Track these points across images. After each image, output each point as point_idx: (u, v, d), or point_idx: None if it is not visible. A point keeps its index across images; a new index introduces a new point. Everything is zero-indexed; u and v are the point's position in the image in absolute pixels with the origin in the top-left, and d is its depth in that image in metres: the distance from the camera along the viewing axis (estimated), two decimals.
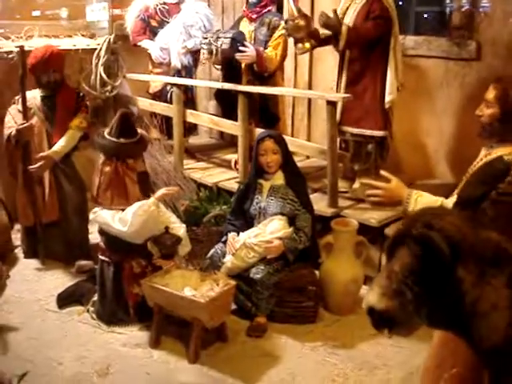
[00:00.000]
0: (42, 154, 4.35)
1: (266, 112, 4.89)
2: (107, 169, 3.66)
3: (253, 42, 4.83)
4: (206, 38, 4.80)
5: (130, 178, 3.68)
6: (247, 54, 4.66)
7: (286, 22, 4.37)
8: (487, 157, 2.49)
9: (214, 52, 4.71)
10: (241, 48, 4.64)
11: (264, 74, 4.79)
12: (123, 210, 3.61)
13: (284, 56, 4.88)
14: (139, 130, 3.85)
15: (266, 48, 4.77)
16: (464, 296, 1.59)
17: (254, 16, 4.87)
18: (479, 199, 1.76)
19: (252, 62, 4.72)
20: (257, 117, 4.92)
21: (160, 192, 3.78)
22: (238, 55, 4.66)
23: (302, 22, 4.24)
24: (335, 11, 4.22)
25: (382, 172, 2.78)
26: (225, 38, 4.65)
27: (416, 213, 1.79)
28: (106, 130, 3.72)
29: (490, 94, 2.54)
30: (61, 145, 4.44)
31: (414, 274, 1.65)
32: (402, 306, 1.67)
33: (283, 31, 4.62)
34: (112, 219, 3.59)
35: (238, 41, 4.64)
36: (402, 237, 1.72)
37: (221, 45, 4.64)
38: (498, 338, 1.55)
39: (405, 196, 2.56)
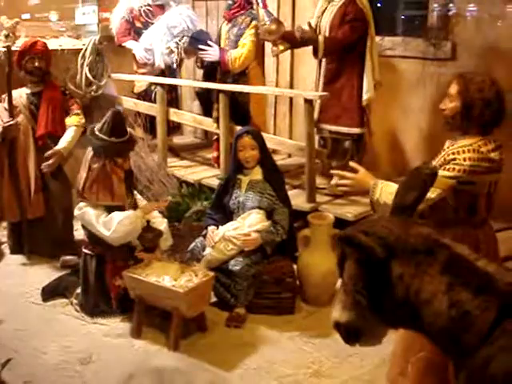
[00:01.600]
0: (51, 151, 4.43)
1: (236, 111, 4.95)
2: (95, 165, 3.73)
3: (227, 42, 4.95)
4: (177, 37, 4.95)
5: (118, 175, 3.76)
6: (208, 53, 4.80)
7: (257, 27, 4.52)
8: (449, 148, 2.62)
9: (179, 50, 4.87)
10: (201, 46, 4.77)
11: (230, 72, 4.90)
12: (107, 208, 3.70)
13: (252, 55, 4.89)
14: (129, 130, 3.92)
15: (236, 47, 4.88)
16: (407, 290, 1.69)
17: (230, 17, 4.98)
18: (412, 205, 1.85)
19: (215, 61, 4.85)
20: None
21: (147, 205, 3.90)
22: (200, 53, 4.81)
23: (272, 27, 4.39)
24: (310, 24, 4.36)
25: (351, 163, 2.88)
26: (187, 36, 4.81)
27: (356, 225, 1.89)
28: (97, 127, 3.77)
29: (453, 88, 2.66)
30: (67, 140, 4.53)
31: (360, 279, 1.75)
32: (362, 315, 1.76)
33: (252, 31, 4.75)
34: (96, 220, 3.66)
35: (198, 39, 4.78)
36: (341, 245, 1.82)
37: (183, 43, 4.79)
38: (443, 322, 1.64)
39: (371, 185, 2.66)
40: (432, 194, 2.45)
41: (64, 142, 4.52)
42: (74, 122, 4.63)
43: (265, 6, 4.59)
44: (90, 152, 3.79)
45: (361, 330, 1.81)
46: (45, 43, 4.69)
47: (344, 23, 4.37)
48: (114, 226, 3.62)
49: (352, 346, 1.89)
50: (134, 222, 3.67)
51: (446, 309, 1.62)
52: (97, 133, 3.73)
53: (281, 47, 4.52)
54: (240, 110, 4.96)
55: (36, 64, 4.53)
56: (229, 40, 4.96)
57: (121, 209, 3.75)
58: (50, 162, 4.42)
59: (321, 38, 4.33)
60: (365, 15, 4.35)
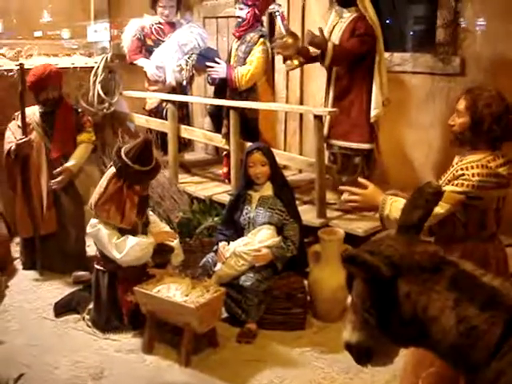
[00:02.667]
0: (61, 168, 4.49)
1: (245, 128, 4.98)
2: (113, 185, 3.75)
3: (236, 59, 5.00)
4: (187, 55, 5.02)
5: (131, 200, 3.76)
6: (216, 70, 4.85)
7: (274, 41, 4.55)
8: (458, 163, 2.63)
9: (188, 67, 4.93)
10: (208, 63, 4.83)
11: (237, 89, 4.94)
12: (120, 229, 3.73)
13: (260, 72, 4.94)
14: (155, 158, 3.88)
15: (244, 65, 4.93)
16: (415, 307, 1.70)
17: (237, 34, 5.04)
18: (417, 224, 1.87)
19: (223, 78, 4.90)
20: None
21: (161, 234, 3.92)
22: (207, 71, 4.87)
23: (289, 40, 4.42)
24: (321, 29, 4.39)
25: (360, 179, 2.89)
26: (195, 54, 4.87)
27: (362, 245, 1.90)
28: (124, 149, 3.75)
29: (461, 104, 2.67)
30: (77, 158, 4.60)
31: (368, 299, 1.76)
32: (371, 334, 1.77)
33: (260, 48, 4.79)
34: (109, 241, 3.68)
35: (205, 57, 4.84)
36: (346, 265, 1.84)
37: (192, 60, 4.85)
38: (452, 338, 1.65)
39: (380, 201, 2.67)
40: (441, 209, 2.46)
41: (74, 160, 4.58)
42: (84, 139, 4.70)
43: (283, 19, 4.62)
44: (111, 170, 3.80)
45: (372, 349, 1.81)
46: (56, 71, 4.68)
47: (353, 37, 4.41)
48: (126, 250, 3.65)
49: (364, 366, 1.90)
50: (145, 248, 3.71)
51: (454, 324, 1.63)
52: (122, 155, 3.73)
53: (295, 62, 4.55)
54: (249, 126, 5.00)
55: (49, 96, 4.59)
56: (237, 57, 5.02)
57: (133, 230, 3.78)
58: (60, 178, 4.47)
59: (330, 45, 4.36)
60: (374, 31, 4.39)
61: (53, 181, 4.48)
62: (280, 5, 4.81)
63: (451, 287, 1.67)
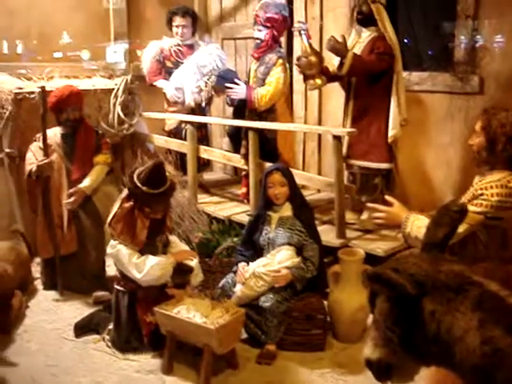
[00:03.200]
0: (74, 189, 4.54)
1: (264, 149, 5.00)
2: (126, 205, 3.78)
3: (255, 80, 5.04)
4: (206, 76, 5.05)
5: (142, 222, 3.77)
6: (235, 91, 4.88)
7: (298, 59, 4.56)
8: (478, 183, 2.63)
9: (208, 89, 4.96)
10: (227, 84, 4.85)
11: (256, 110, 4.97)
12: (140, 251, 3.74)
13: (279, 93, 4.97)
14: (169, 180, 3.86)
15: (263, 86, 4.95)
16: (439, 326, 1.69)
17: (256, 55, 5.07)
18: (442, 242, 1.86)
19: (242, 99, 4.92)
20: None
21: (181, 253, 3.92)
22: (227, 92, 4.89)
23: (314, 59, 4.42)
24: (343, 36, 4.40)
25: (386, 197, 2.91)
26: (215, 75, 4.90)
27: (386, 262, 1.90)
28: (137, 172, 3.77)
29: (478, 124, 2.69)
30: (91, 179, 4.64)
31: (391, 317, 1.75)
32: (393, 352, 1.76)
33: (279, 69, 4.82)
34: (128, 261, 3.69)
35: (225, 78, 4.87)
36: (371, 283, 1.83)
37: (212, 82, 4.88)
38: (475, 359, 1.63)
39: (403, 219, 2.67)
40: (460, 228, 2.45)
41: (87, 181, 4.62)
42: (100, 160, 4.74)
43: (309, 37, 4.63)
44: (125, 191, 3.84)
45: (392, 366, 1.80)
46: (77, 92, 4.77)
47: (372, 54, 4.43)
48: (145, 269, 3.65)
49: (383, 383, 1.89)
50: (165, 268, 3.71)
51: (478, 345, 1.62)
52: (134, 177, 3.75)
53: (318, 81, 4.55)
54: (268, 147, 5.02)
55: (70, 117, 4.66)
56: (256, 78, 5.05)
57: (153, 250, 3.80)
58: (72, 199, 4.52)
59: (350, 53, 4.38)
60: (393, 51, 4.41)
61: (65, 201, 4.52)
62: (305, 23, 4.80)
63: (476, 308, 1.65)
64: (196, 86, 5.55)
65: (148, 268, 3.65)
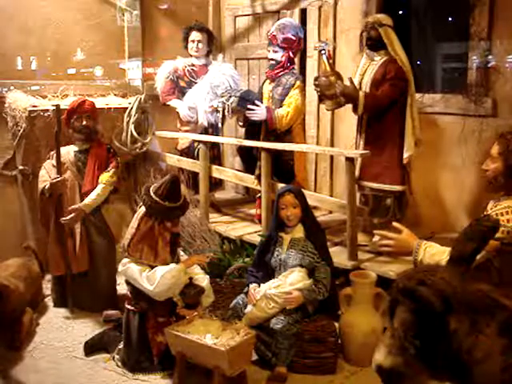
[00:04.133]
0: (73, 207, 4.55)
1: (280, 169, 5.02)
2: (144, 224, 3.78)
3: (271, 100, 5.04)
4: (222, 97, 5.05)
5: (164, 238, 3.79)
6: (255, 112, 4.88)
7: (316, 79, 4.57)
8: (493, 209, 2.61)
9: (226, 110, 4.95)
10: (249, 106, 4.86)
11: (276, 131, 4.98)
12: (151, 266, 3.74)
13: (297, 114, 5.00)
14: (183, 195, 3.92)
15: (281, 107, 4.97)
16: (460, 346, 1.67)
17: (273, 76, 5.09)
18: (470, 256, 1.84)
19: (262, 120, 4.93)
20: (271, 174, 5.08)
21: (190, 259, 3.93)
22: (247, 113, 4.89)
23: (333, 79, 4.43)
24: (351, 80, 4.42)
25: (394, 223, 2.88)
26: (234, 96, 4.90)
27: (411, 271, 1.88)
28: (153, 188, 3.80)
29: (494, 149, 2.68)
30: (92, 198, 4.64)
31: (413, 329, 1.73)
32: (407, 362, 1.75)
33: (297, 90, 4.84)
34: (140, 275, 3.69)
35: (246, 99, 4.87)
36: (398, 295, 1.82)
37: (231, 103, 4.88)
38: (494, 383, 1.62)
39: (414, 246, 2.66)
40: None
41: (88, 199, 4.64)
42: (103, 179, 4.74)
43: (329, 57, 4.64)
44: (141, 210, 3.84)
45: (403, 376, 1.78)
46: (92, 102, 4.87)
47: (384, 81, 4.43)
48: (157, 280, 3.65)
49: None
50: (176, 275, 3.70)
51: (498, 371, 1.59)
52: (151, 194, 3.77)
53: (339, 101, 4.56)
54: (284, 167, 5.03)
55: (84, 123, 4.70)
56: (273, 99, 5.07)
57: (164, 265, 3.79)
58: (69, 217, 4.51)
59: (361, 94, 4.39)
60: (405, 74, 4.41)
61: (62, 218, 4.53)
62: (327, 43, 4.78)
63: (502, 333, 1.63)
64: (209, 106, 5.58)
65: (159, 278, 3.64)
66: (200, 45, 5.84)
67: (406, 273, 1.85)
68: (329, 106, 4.67)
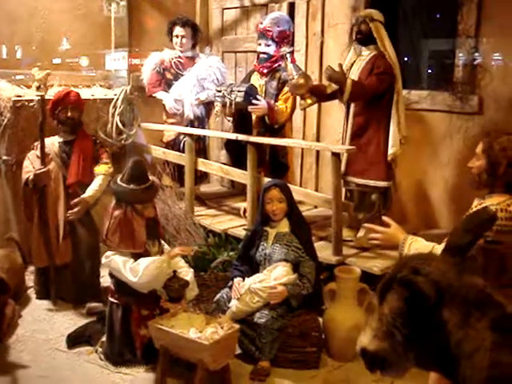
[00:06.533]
0: (77, 199, 4.52)
1: (275, 162, 5.06)
2: (117, 212, 3.79)
3: (263, 95, 5.04)
4: (219, 91, 5.01)
5: (138, 222, 3.79)
6: (259, 107, 4.87)
7: (286, 81, 4.62)
8: (477, 207, 2.62)
9: (228, 104, 4.92)
10: (253, 101, 4.84)
11: (275, 125, 4.98)
12: (134, 256, 3.74)
13: (293, 109, 5.05)
14: (151, 177, 3.96)
15: (276, 101, 4.97)
16: (449, 337, 1.67)
17: (265, 71, 5.08)
18: (466, 247, 1.85)
19: (263, 115, 4.91)
20: (266, 166, 5.09)
21: (174, 250, 3.92)
22: (250, 108, 4.87)
23: (301, 81, 4.48)
24: (340, 65, 4.42)
25: (384, 218, 2.90)
26: (238, 91, 4.87)
27: (405, 258, 1.89)
28: (119, 176, 3.86)
29: (479, 147, 2.69)
30: (94, 189, 4.63)
31: (402, 317, 1.73)
32: (393, 348, 1.75)
33: None
34: (123, 267, 3.69)
35: (250, 94, 4.85)
36: (391, 281, 1.82)
37: (235, 98, 4.85)
38: (481, 379, 1.62)
39: (401, 240, 2.67)
40: None
41: (90, 191, 4.61)
42: (102, 170, 4.73)
43: (293, 61, 4.69)
44: (112, 200, 3.87)
45: (388, 361, 1.78)
46: (77, 93, 4.82)
47: (372, 75, 4.43)
48: (140, 271, 3.64)
49: (374, 373, 1.87)
50: (160, 266, 3.69)
51: (486, 367, 1.60)
52: (118, 181, 3.82)
53: (308, 101, 4.61)
54: (280, 161, 5.09)
55: (69, 114, 4.66)
56: (267, 93, 5.06)
57: (147, 256, 3.78)
58: (76, 209, 4.49)
59: (349, 81, 4.38)
60: (393, 70, 4.41)
61: (69, 211, 4.50)
62: (290, 47, 4.89)
63: (492, 329, 1.64)
64: (195, 99, 5.56)
65: (142, 269, 3.64)
66: (184, 40, 5.81)
67: (400, 260, 1.85)
68: (301, 105, 4.74)
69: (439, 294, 1.68)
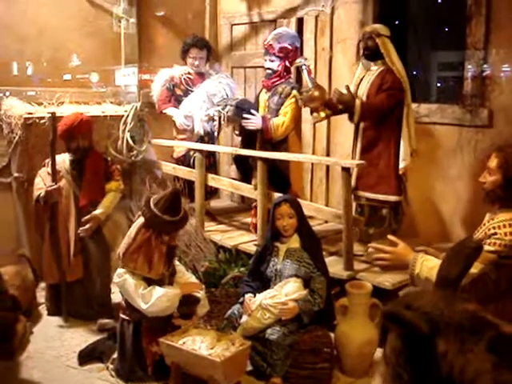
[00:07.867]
0: (89, 216, 4.54)
1: (275, 178, 5.00)
2: (141, 235, 3.75)
3: (267, 110, 5.05)
4: (218, 106, 5.05)
5: (160, 251, 3.76)
6: (252, 121, 4.88)
7: (301, 93, 4.59)
8: (490, 222, 2.61)
9: (222, 118, 4.95)
10: (245, 115, 4.85)
11: (270, 140, 4.97)
12: (146, 279, 3.72)
13: (293, 123, 5.01)
14: (183, 208, 3.88)
15: (277, 116, 4.97)
16: (451, 367, 1.66)
17: (269, 85, 5.09)
18: (456, 279, 1.84)
19: (257, 129, 4.93)
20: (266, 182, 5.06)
21: (188, 285, 3.90)
22: (243, 122, 4.89)
23: (316, 93, 4.47)
24: (348, 87, 4.43)
25: (389, 236, 2.87)
26: (230, 105, 4.90)
27: (400, 297, 1.88)
28: (153, 200, 3.77)
29: (492, 162, 2.67)
30: (105, 206, 4.66)
31: (403, 354, 1.73)
32: None
33: (293, 99, 4.85)
34: (134, 291, 3.66)
35: (242, 108, 4.87)
36: (386, 321, 1.81)
37: (227, 112, 4.88)
38: None
39: (411, 260, 2.64)
40: (475, 269, 2.43)
41: (102, 207, 4.63)
42: (112, 187, 4.76)
43: (309, 73, 4.69)
44: (140, 220, 3.81)
45: None
46: (87, 120, 4.77)
47: (381, 91, 4.44)
48: (152, 300, 3.62)
49: None
50: (171, 299, 3.68)
51: None
52: (151, 206, 3.74)
53: (322, 114, 4.59)
54: (280, 177, 5.02)
55: (80, 144, 4.68)
56: (269, 108, 5.07)
57: (160, 280, 3.76)
58: (87, 226, 4.51)
59: (358, 102, 4.40)
60: (402, 84, 4.42)
61: (80, 228, 4.52)
62: (306, 58, 4.88)
63: (490, 350, 1.63)
64: (205, 115, 5.58)
65: (154, 299, 3.62)
66: (201, 61, 5.86)
67: (394, 301, 1.85)
68: (315, 118, 4.72)
69: (432, 324, 1.67)
